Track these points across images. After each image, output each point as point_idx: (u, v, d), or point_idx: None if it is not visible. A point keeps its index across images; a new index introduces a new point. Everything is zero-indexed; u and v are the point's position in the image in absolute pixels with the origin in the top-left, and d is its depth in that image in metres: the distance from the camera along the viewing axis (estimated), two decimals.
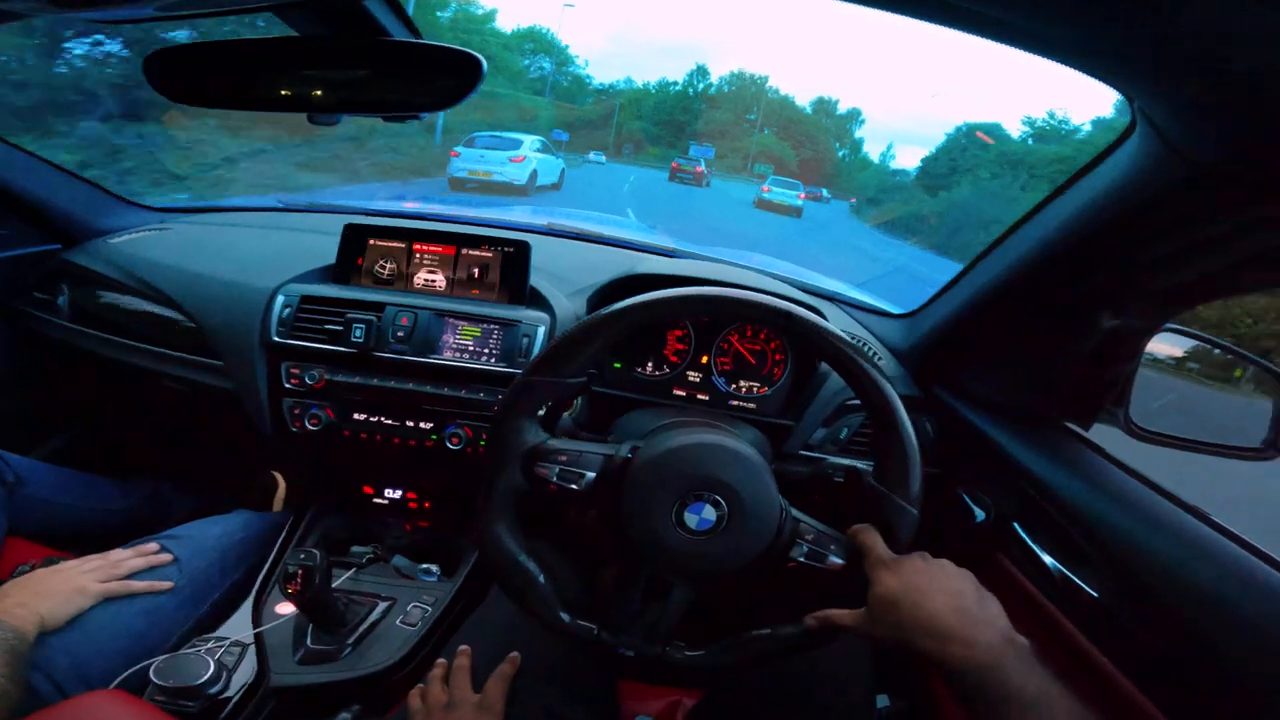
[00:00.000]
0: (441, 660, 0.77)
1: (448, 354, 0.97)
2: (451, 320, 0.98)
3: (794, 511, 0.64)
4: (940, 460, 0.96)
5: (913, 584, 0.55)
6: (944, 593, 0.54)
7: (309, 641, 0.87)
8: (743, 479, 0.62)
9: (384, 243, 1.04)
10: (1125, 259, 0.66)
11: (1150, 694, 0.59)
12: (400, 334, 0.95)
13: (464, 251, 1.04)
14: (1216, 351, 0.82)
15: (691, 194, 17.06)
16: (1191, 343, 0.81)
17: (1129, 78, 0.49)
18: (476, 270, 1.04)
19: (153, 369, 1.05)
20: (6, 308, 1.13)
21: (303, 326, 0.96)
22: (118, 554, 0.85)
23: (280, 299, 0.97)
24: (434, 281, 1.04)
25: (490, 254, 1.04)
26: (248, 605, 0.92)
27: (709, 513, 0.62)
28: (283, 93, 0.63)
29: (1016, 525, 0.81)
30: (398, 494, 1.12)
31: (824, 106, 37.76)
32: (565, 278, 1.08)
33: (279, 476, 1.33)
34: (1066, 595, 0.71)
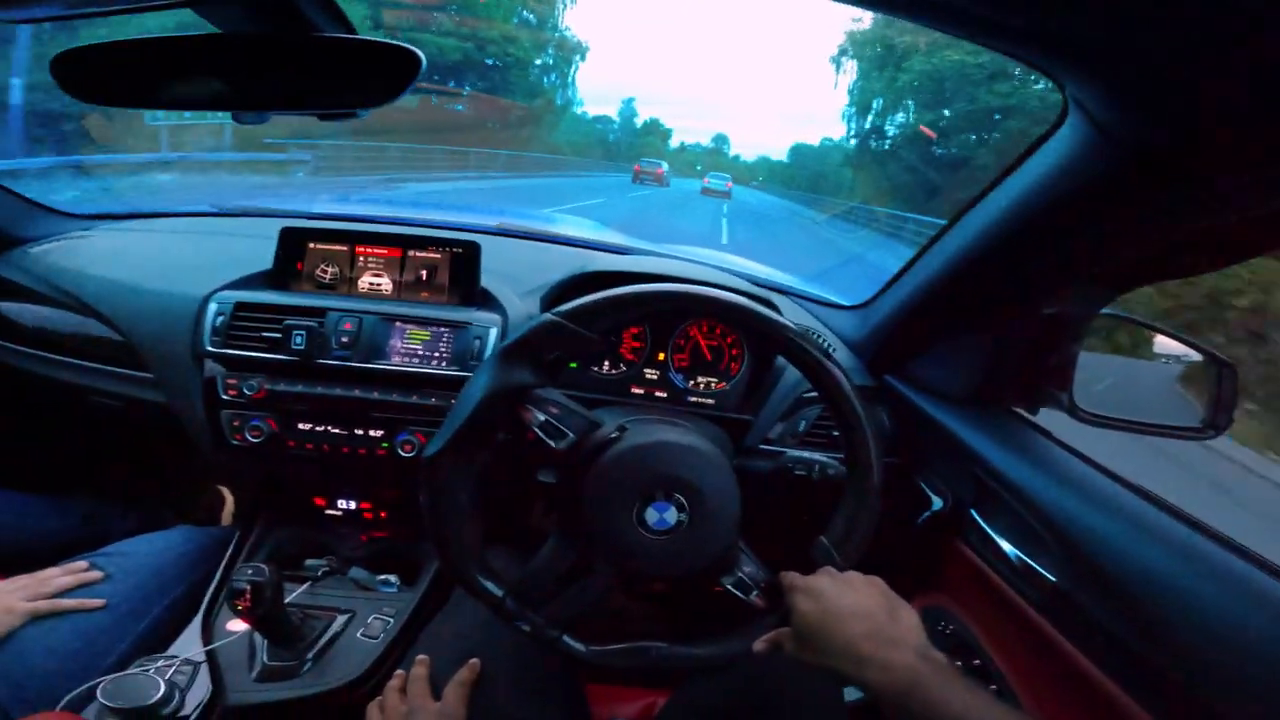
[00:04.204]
0: (400, 671, 0.75)
1: (396, 359, 0.94)
2: (399, 324, 0.95)
3: (740, 542, 0.65)
4: (899, 449, 0.97)
5: (825, 608, 0.56)
6: (855, 615, 0.55)
7: (265, 658, 0.84)
8: (713, 491, 0.63)
9: (325, 246, 1.00)
10: (1063, 246, 0.67)
11: (1113, 676, 0.59)
12: (344, 340, 0.92)
13: (411, 253, 1.01)
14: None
15: None
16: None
17: (1060, 64, 0.50)
18: (425, 272, 1.01)
19: (80, 384, 1.00)
20: None
21: (239, 335, 0.92)
22: (45, 573, 0.83)
23: (213, 307, 0.92)
24: (380, 285, 1.01)
25: (438, 255, 1.01)
26: (197, 623, 0.88)
27: (671, 514, 0.62)
28: (208, 91, 0.61)
29: (974, 512, 0.82)
30: (351, 505, 1.08)
31: None
32: (516, 277, 1.06)
33: (225, 491, 1.28)
34: (1027, 581, 0.71)
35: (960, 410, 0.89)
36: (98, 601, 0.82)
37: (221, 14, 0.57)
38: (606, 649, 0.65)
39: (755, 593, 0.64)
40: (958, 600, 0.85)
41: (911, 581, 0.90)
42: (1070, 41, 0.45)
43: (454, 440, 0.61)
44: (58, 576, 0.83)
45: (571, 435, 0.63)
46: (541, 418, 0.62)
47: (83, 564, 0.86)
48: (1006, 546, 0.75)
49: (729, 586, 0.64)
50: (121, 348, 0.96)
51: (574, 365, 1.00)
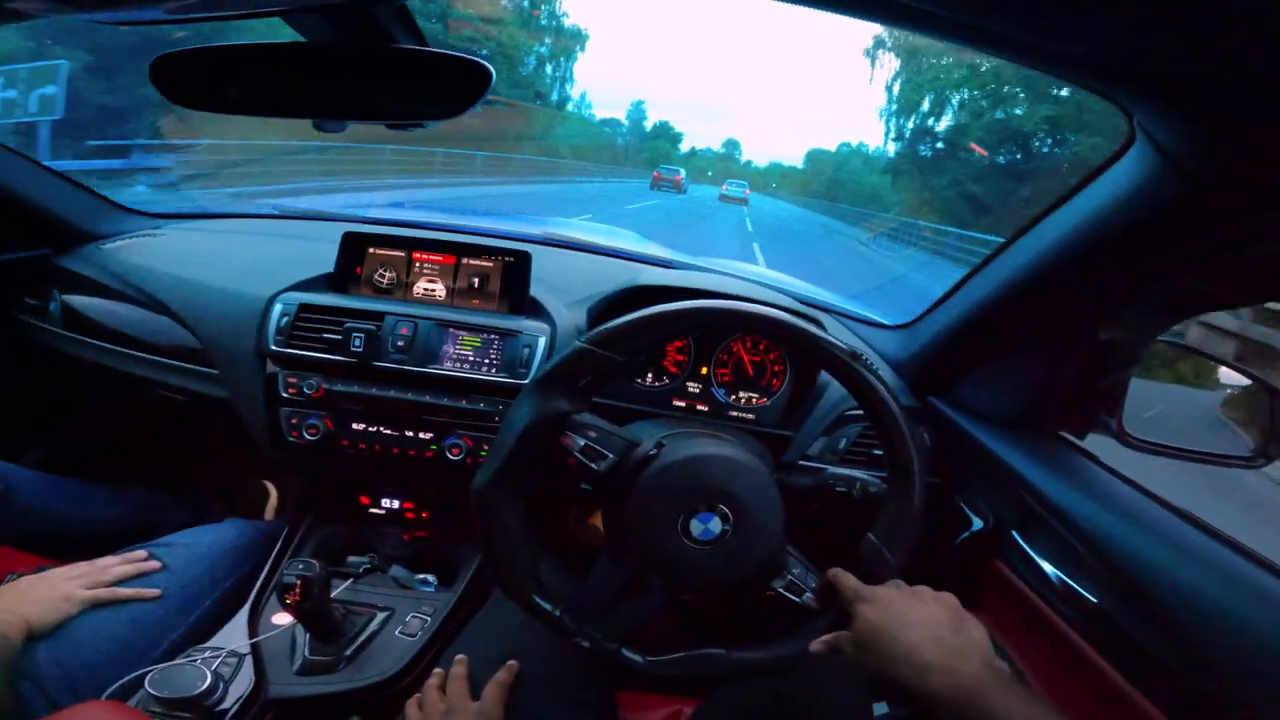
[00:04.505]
0: (439, 669, 0.77)
1: (448, 364, 0.96)
2: (452, 330, 0.97)
3: (788, 545, 0.66)
4: (939, 469, 0.98)
5: (891, 616, 0.57)
6: (921, 624, 0.55)
7: (306, 652, 0.86)
8: (755, 499, 0.64)
9: (384, 251, 1.03)
10: (1122, 273, 0.67)
11: (1152, 697, 0.60)
12: (400, 344, 0.95)
13: (464, 261, 1.04)
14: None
15: None
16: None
17: (1131, 94, 0.50)
18: (476, 280, 1.04)
19: (145, 377, 1.04)
20: None
21: (300, 335, 0.95)
22: (105, 561, 0.84)
23: (278, 307, 0.96)
24: (434, 291, 1.04)
25: (491, 263, 1.04)
26: (242, 615, 0.90)
27: (715, 524, 0.63)
28: (291, 98, 0.63)
29: (1015, 534, 0.83)
30: (395, 504, 1.11)
31: None
32: (563, 287, 1.08)
33: (270, 486, 1.32)
34: (1067, 602, 0.72)
35: (1005, 433, 0.89)
36: (154, 592, 0.84)
37: (308, 23, 0.60)
38: (666, 659, 0.66)
39: (808, 594, 0.65)
40: (994, 619, 0.86)
41: None
42: (1145, 73, 0.45)
43: (500, 470, 0.64)
44: (116, 565, 0.84)
45: (611, 456, 0.64)
46: (581, 442, 0.64)
47: (141, 554, 0.88)
48: (1047, 567, 0.76)
49: (780, 590, 0.65)
50: (188, 343, 1.00)
51: None
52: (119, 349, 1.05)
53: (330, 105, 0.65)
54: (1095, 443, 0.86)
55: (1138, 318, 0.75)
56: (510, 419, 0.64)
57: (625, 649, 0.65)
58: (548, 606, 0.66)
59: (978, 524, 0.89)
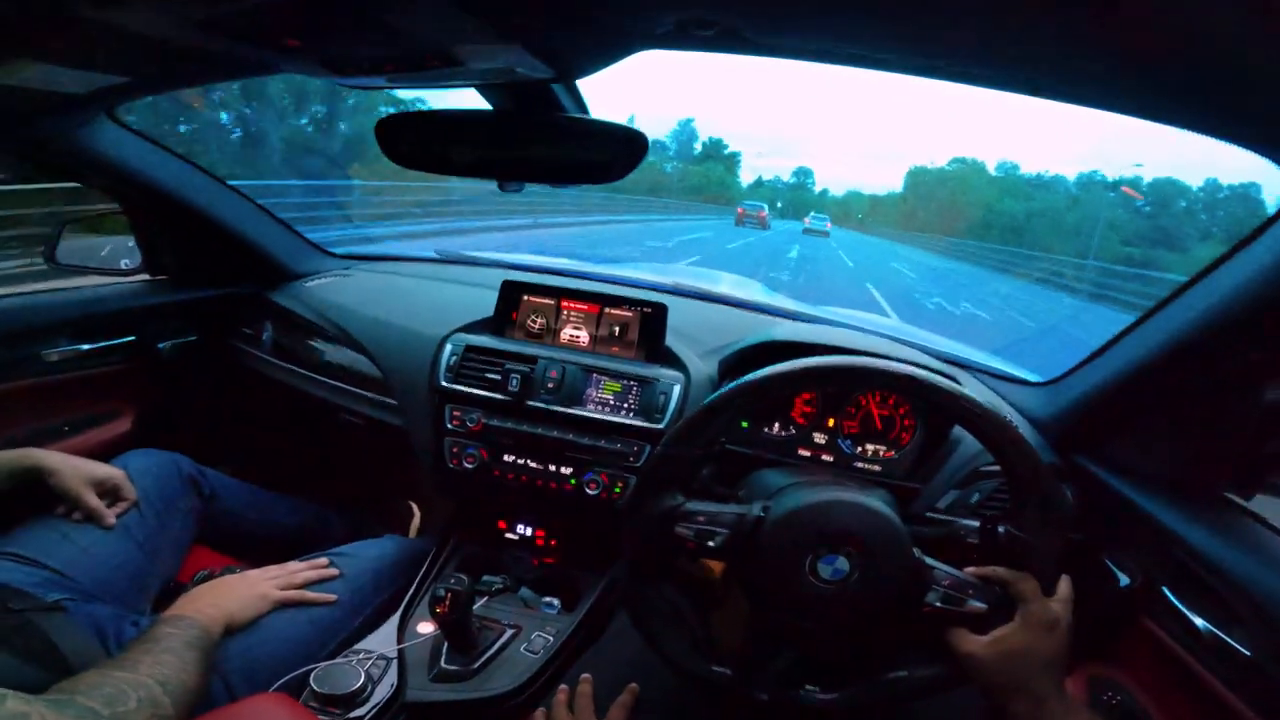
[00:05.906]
0: (564, 686, 0.81)
1: (591, 406, 1.04)
2: (595, 375, 1.06)
3: (927, 560, 0.66)
4: (1083, 527, 0.94)
5: (1059, 650, 0.60)
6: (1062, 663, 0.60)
7: (443, 661, 0.93)
8: (870, 530, 0.65)
9: (537, 299, 1.15)
10: None
11: None
12: (550, 385, 1.04)
13: (606, 310, 1.13)
14: None
15: None
16: None
17: None
18: (617, 328, 1.13)
19: (334, 402, 1.20)
20: (216, 340, 1.32)
21: (466, 374, 1.07)
22: (293, 565, 0.94)
23: (448, 347, 1.09)
24: (578, 338, 1.14)
25: (630, 314, 1.12)
26: (390, 622, 0.98)
27: (842, 563, 0.64)
28: (483, 160, 0.73)
29: (1166, 590, 0.80)
30: (528, 531, 1.20)
31: None
32: (695, 338, 1.14)
33: (415, 506, 1.45)
34: (1218, 656, 0.71)
35: (1162, 493, 0.85)
36: (331, 597, 0.92)
37: (495, 95, 0.69)
38: (849, 692, 0.68)
39: (970, 601, 0.64)
40: (1131, 673, 0.86)
41: (1081, 651, 0.88)
42: None
43: (637, 574, 0.71)
44: (304, 570, 0.92)
45: (723, 532, 0.68)
46: (692, 531, 0.68)
47: (324, 560, 0.97)
48: (1199, 622, 0.75)
49: (937, 604, 0.64)
50: (374, 376, 1.15)
51: (745, 424, 1.06)
52: (316, 376, 1.22)
53: (515, 168, 0.74)
54: None
55: None
56: (630, 525, 0.70)
57: (804, 693, 0.68)
58: (718, 670, 0.69)
59: (1124, 580, 0.86)
